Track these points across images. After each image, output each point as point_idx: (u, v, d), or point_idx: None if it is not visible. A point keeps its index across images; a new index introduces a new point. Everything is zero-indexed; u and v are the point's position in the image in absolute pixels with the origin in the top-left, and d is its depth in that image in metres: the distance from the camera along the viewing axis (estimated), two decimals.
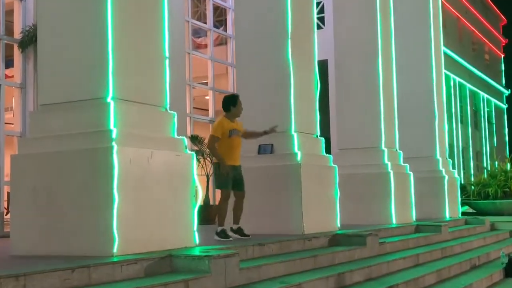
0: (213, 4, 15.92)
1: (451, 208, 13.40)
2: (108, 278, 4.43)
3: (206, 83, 15.63)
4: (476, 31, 31.99)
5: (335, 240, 7.53)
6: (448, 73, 23.35)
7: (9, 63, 11.12)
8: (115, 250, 4.94)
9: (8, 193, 10.48)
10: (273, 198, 7.79)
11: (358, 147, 10.70)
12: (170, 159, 5.60)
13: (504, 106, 37.77)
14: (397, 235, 9.27)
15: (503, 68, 38.25)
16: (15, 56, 10.89)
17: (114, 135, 5.14)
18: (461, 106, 28.27)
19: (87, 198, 5.13)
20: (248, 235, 6.88)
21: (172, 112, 5.93)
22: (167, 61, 5.96)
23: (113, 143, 5.09)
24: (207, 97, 15.78)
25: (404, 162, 11.35)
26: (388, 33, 11.27)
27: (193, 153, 5.98)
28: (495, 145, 34.37)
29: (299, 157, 7.85)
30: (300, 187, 7.66)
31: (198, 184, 11.31)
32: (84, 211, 5.12)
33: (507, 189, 15.48)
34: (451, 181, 13.68)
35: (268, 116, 8.07)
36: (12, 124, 11.29)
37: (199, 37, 16.16)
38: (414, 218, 11.10)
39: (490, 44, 35.41)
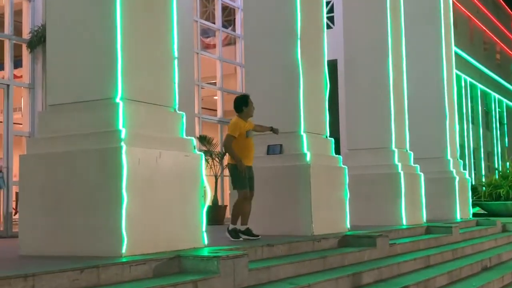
0: (222, 4, 15.89)
1: (462, 209, 13.31)
2: (117, 279, 4.42)
3: (215, 83, 15.61)
4: (488, 31, 31.77)
5: (345, 241, 7.48)
6: (459, 73, 23.21)
7: (17, 63, 11.14)
8: (123, 250, 4.92)
9: (16, 193, 10.51)
10: (282, 199, 7.75)
11: (368, 147, 10.64)
12: (179, 159, 5.58)
13: None
14: (408, 236, 9.21)
15: None
16: (23, 56, 10.91)
17: (123, 135, 5.13)
18: (472, 107, 28.09)
19: (95, 198, 5.12)
20: (257, 236, 6.86)
21: (180, 112, 5.92)
22: (176, 61, 5.95)
23: (122, 143, 5.08)
24: (215, 97, 15.76)
25: (414, 163, 11.28)
26: (398, 33, 11.20)
27: (202, 153, 5.96)
28: (507, 145, 34.12)
29: (308, 158, 7.81)
30: (309, 188, 7.62)
31: (206, 185, 11.27)
32: (93, 211, 5.12)
33: None
34: (462, 182, 13.59)
35: (277, 117, 8.04)
36: (21, 124, 11.32)
37: (207, 37, 16.14)
38: (424, 219, 11.03)
39: (502, 44, 35.16)
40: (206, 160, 11.77)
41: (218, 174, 13.26)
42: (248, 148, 7.05)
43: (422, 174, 11.19)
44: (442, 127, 13.55)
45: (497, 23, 33.92)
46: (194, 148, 5.87)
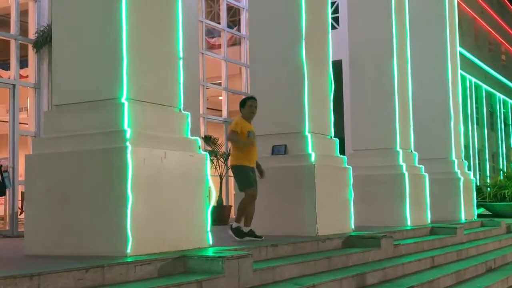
0: (227, 4, 15.91)
1: (467, 210, 13.27)
2: (122, 278, 4.43)
3: (220, 84, 15.63)
4: (493, 31, 31.68)
5: (349, 241, 7.48)
6: (464, 73, 23.15)
7: (23, 63, 11.18)
8: (128, 250, 4.94)
9: (22, 192, 10.55)
10: (287, 199, 7.75)
11: (373, 148, 10.63)
12: (184, 159, 5.59)
13: None
14: (412, 237, 9.19)
15: None
16: (29, 56, 10.96)
17: (128, 135, 5.14)
18: (477, 107, 28.02)
19: (101, 198, 5.14)
20: (260, 237, 6.85)
21: (185, 112, 5.92)
22: (181, 62, 5.96)
23: (127, 143, 5.09)
24: (220, 98, 15.77)
25: (419, 164, 11.26)
26: (403, 33, 11.18)
27: (207, 153, 5.97)
28: None
29: (313, 158, 7.81)
30: (314, 188, 7.61)
31: (211, 185, 11.30)
32: (98, 211, 5.13)
33: None
34: (467, 182, 13.55)
35: (282, 117, 8.05)
36: (27, 124, 11.36)
37: (212, 37, 16.16)
38: (429, 220, 11.01)
39: (507, 45, 35.06)
40: (211, 160, 11.78)
41: (223, 174, 13.28)
42: (250, 150, 7.03)
43: (426, 175, 11.17)
44: (447, 127, 13.52)
45: (502, 23, 33.81)
46: (199, 148, 5.88)
